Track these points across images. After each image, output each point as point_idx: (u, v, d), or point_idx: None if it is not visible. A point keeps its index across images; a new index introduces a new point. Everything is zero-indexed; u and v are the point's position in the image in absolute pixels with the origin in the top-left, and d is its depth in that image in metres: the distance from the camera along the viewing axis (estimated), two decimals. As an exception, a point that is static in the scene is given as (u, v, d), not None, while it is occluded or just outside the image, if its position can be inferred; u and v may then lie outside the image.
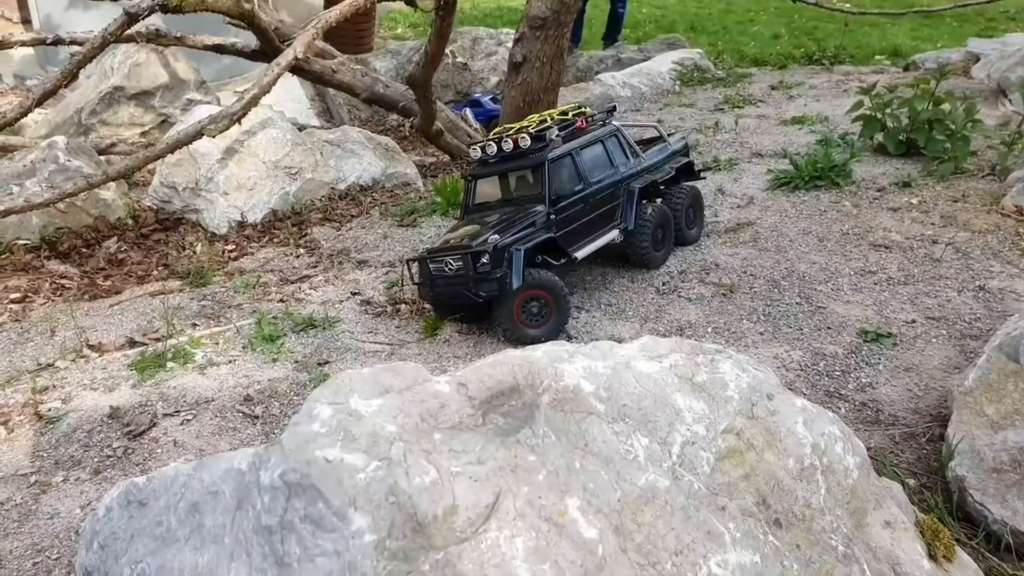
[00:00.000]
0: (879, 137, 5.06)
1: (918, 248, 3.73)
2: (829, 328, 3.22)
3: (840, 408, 2.72)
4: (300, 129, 5.79)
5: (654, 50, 8.54)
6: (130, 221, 5.03)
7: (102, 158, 5.44)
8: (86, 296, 4.27)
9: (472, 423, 1.49)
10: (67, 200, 4.47)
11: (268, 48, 5.75)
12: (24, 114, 4.13)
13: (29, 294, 4.26)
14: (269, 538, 1.33)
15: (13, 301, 4.18)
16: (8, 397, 3.29)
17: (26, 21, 9.87)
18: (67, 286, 4.36)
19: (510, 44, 8.54)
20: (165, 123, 7.10)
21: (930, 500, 2.19)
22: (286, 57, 3.92)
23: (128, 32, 4.93)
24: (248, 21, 5.28)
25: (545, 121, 3.69)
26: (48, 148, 4.88)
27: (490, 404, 1.54)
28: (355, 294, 4.00)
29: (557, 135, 3.55)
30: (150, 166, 4.97)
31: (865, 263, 3.67)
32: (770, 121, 6.21)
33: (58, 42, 5.40)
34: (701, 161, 5.26)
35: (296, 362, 3.41)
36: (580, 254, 3.50)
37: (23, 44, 5.92)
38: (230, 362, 3.46)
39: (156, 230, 5.04)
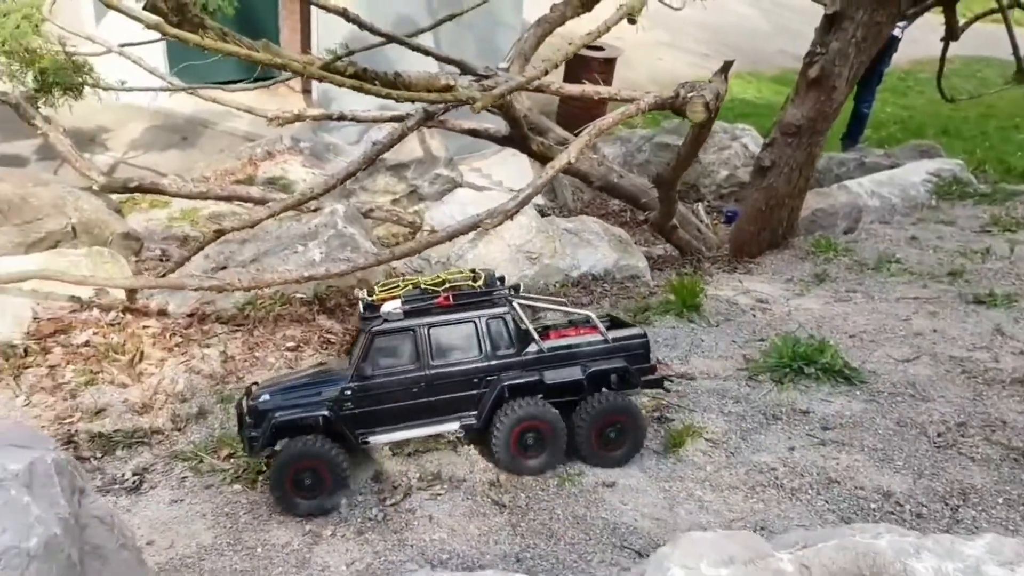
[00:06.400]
0: None
1: None
2: None
3: None
4: (542, 215, 6.09)
5: (903, 156, 7.99)
6: (386, 285, 5.52)
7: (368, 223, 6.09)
8: (345, 351, 4.71)
9: (823, 616, 1.40)
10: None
11: (517, 135, 6.17)
12: (327, 191, 4.75)
13: (301, 344, 4.79)
14: None
15: (288, 349, 4.73)
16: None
17: (306, 91, 11.47)
18: (332, 340, 4.85)
19: (744, 139, 8.51)
20: (413, 193, 7.82)
21: None
22: (560, 161, 4.18)
23: (399, 114, 5.59)
24: (504, 110, 5.72)
25: (416, 287, 3.38)
26: (330, 215, 5.55)
27: (838, 596, 1.44)
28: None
29: (397, 309, 3.23)
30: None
31: None
32: (1052, 250, 5.51)
33: (342, 118, 6.25)
34: (971, 292, 4.76)
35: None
36: (377, 440, 3.24)
37: (314, 119, 6.89)
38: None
39: (407, 296, 5.49)
